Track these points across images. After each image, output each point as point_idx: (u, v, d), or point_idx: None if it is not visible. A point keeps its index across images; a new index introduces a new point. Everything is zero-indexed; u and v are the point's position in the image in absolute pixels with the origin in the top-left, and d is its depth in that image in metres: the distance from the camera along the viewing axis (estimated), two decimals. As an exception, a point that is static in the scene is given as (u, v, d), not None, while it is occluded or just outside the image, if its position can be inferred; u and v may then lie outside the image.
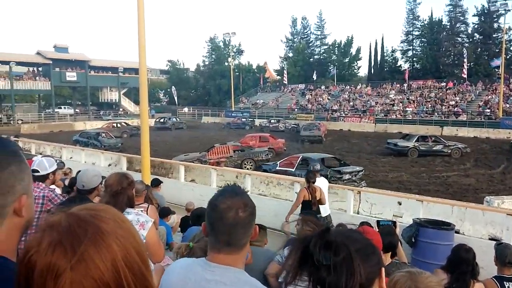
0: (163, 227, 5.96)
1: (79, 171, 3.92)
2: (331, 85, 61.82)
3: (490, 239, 7.64)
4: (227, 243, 1.49)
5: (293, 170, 16.45)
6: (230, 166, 18.63)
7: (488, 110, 41.00)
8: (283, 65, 69.91)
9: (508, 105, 40.95)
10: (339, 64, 66.53)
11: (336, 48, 69.72)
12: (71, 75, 54.71)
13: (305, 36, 74.85)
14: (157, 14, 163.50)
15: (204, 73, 77.77)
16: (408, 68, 60.40)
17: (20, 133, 35.12)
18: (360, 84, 60.69)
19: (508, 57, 52.45)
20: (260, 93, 67.46)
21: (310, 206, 7.35)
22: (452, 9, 60.27)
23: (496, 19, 55.23)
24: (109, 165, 16.85)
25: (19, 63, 51.01)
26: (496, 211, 8.48)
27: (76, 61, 55.18)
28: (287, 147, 26.14)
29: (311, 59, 72.10)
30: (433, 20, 62.43)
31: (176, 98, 65.42)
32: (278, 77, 73.27)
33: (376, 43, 68.28)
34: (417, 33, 64.29)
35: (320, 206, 7.57)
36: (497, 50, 52.56)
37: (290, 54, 73.54)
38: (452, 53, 59.26)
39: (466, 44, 58.15)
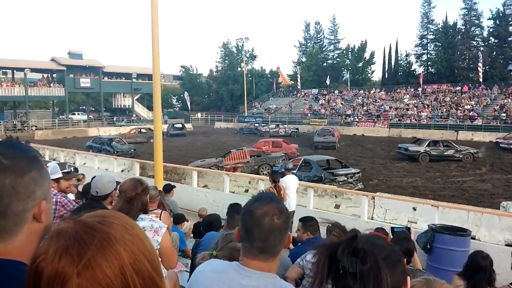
0: (176, 233, 5.96)
1: (94, 177, 3.94)
2: (344, 90, 61.56)
3: (506, 245, 7.52)
4: (261, 249, 1.50)
5: (295, 171, 16.62)
6: (247, 172, 18.77)
7: (504, 114, 40.39)
8: (296, 70, 69.89)
9: (524, 109, 40.32)
10: (352, 69, 66.30)
11: (350, 53, 69.49)
12: (85, 81, 55.33)
13: (319, 40, 74.83)
14: (171, 20, 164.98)
15: (217, 79, 78.14)
16: (422, 72, 60.02)
17: (33, 139, 35.47)
18: (374, 88, 60.36)
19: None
20: (273, 98, 67.47)
21: None
22: (466, 13, 59.75)
23: (511, 23, 54.58)
24: (122, 171, 16.97)
25: (33, 70, 51.79)
26: (513, 217, 8.35)
27: (90, 67, 55.79)
28: (301, 153, 26.03)
29: (325, 64, 71.98)
30: (448, 24, 61.87)
31: (189, 103, 65.86)
32: (291, 82, 73.25)
33: (390, 47, 67.98)
34: (431, 37, 63.80)
35: (291, 201, 8.66)
36: (512, 54, 51.98)
37: (304, 59, 73.51)
38: (467, 57, 58.66)
39: (481, 48, 57.56)
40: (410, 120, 45.18)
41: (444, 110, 45.87)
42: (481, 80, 49.04)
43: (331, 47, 73.83)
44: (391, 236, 4.39)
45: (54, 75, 55.97)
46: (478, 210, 8.84)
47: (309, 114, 54.64)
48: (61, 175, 4.14)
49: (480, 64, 49.69)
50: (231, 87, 71.82)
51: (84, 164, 18.49)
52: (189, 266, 4.83)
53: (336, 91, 61.63)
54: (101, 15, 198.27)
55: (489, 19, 57.89)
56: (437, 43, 62.76)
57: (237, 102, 69.08)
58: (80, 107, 70.66)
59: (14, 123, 48.61)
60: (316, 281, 1.04)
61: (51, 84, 54.07)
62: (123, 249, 0.75)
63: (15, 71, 52.00)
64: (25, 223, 0.98)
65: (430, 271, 5.55)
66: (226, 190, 12.15)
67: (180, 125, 44.67)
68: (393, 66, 67.25)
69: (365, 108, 52.50)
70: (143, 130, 38.71)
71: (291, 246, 4.29)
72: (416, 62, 66.36)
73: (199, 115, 65.39)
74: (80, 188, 6.83)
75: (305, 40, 75.78)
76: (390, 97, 54.24)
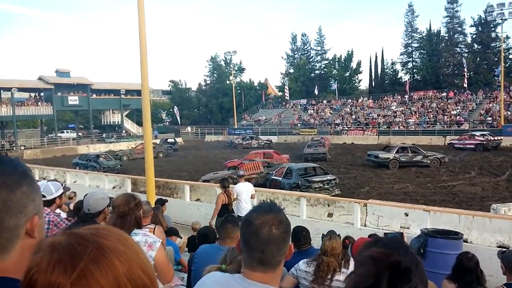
0: (171, 247, 5.94)
1: (87, 194, 3.93)
2: (333, 99, 62.11)
3: (498, 247, 7.58)
4: (260, 260, 1.46)
5: (280, 178, 18.56)
6: (260, 181, 19.35)
7: (490, 118, 40.98)
8: (285, 81, 70.34)
9: (509, 113, 40.90)
10: (340, 78, 66.88)
11: (337, 63, 70.21)
12: (73, 99, 55.06)
13: (306, 52, 75.59)
14: (158, 35, 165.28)
15: (206, 92, 78.31)
16: (408, 79, 60.79)
17: (22, 158, 35.14)
18: (361, 97, 60.95)
19: (507, 65, 52.69)
20: (262, 109, 67.75)
21: (227, 208, 8.85)
22: (449, 21, 60.94)
23: (493, 29, 55.68)
24: (114, 187, 16.87)
25: (21, 89, 51.43)
26: (503, 218, 8.44)
27: (78, 85, 55.49)
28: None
29: (312, 74, 72.65)
30: (432, 31, 62.93)
31: (178, 117, 65.73)
32: (280, 93, 73.71)
33: (376, 56, 69.03)
34: (416, 45, 64.82)
35: (243, 207, 9.12)
36: (496, 59, 52.84)
37: (291, 70, 74.12)
38: (452, 64, 59.63)
39: (465, 54, 58.52)
40: (399, 127, 45.62)
41: (431, 116, 46.40)
42: (466, 85, 49.75)
43: (318, 58, 74.69)
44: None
45: (42, 94, 55.59)
46: (469, 213, 8.93)
47: (298, 124, 54.94)
48: (62, 191, 4.12)
49: (465, 70, 50.49)
50: (221, 100, 72.01)
51: (74, 182, 18.35)
52: (185, 280, 4.81)
53: (325, 101, 62.16)
54: (88, 32, 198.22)
55: (471, 26, 59.12)
56: (422, 50, 63.75)
57: (226, 115, 69.23)
58: (69, 125, 70.21)
59: (2, 143, 48.10)
60: None
61: (39, 103, 53.67)
62: (117, 260, 0.74)
63: (2, 90, 51.53)
64: (18, 239, 0.96)
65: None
66: (219, 203, 12.11)
67: (172, 140, 44.53)
68: (379, 74, 68.09)
69: (353, 116, 52.95)
70: (154, 146, 38.20)
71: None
72: (402, 70, 67.38)
73: (189, 129, 65.33)
74: (71, 206, 6.78)
75: (292, 52, 76.54)
76: (377, 105, 54.80)
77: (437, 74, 59.79)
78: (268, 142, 42.65)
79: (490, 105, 44.20)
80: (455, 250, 6.39)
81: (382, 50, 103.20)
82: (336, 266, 3.62)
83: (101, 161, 28.32)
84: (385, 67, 68.06)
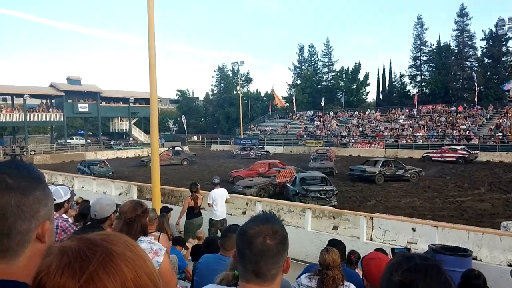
0: (175, 256, 5.91)
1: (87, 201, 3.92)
2: (339, 111, 62.00)
3: (509, 265, 7.44)
4: (254, 273, 1.40)
5: (290, 185, 19.47)
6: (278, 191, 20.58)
7: (500, 134, 40.64)
8: (291, 92, 70.44)
9: (520, 128, 40.61)
10: (347, 90, 66.85)
11: (344, 75, 70.17)
12: (83, 106, 55.68)
13: (313, 63, 75.68)
14: (167, 45, 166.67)
15: (213, 102, 78.67)
16: (417, 93, 60.53)
17: (32, 163, 35.31)
18: (369, 109, 60.78)
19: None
20: (269, 120, 67.82)
21: (193, 210, 9.70)
22: (459, 34, 60.68)
23: (504, 43, 55.45)
24: (120, 194, 16.89)
25: (33, 96, 52.22)
26: (514, 236, 8.30)
27: (88, 92, 56.22)
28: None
29: (319, 86, 72.67)
30: (441, 45, 62.77)
31: (185, 126, 66.01)
32: (286, 104, 73.82)
33: (384, 68, 68.90)
34: (425, 58, 64.68)
35: (216, 210, 9.98)
36: (506, 74, 52.56)
37: (298, 81, 74.20)
38: (461, 78, 59.32)
39: (475, 68, 58.22)
40: (406, 140, 45.36)
41: (440, 130, 46.12)
42: (476, 100, 49.51)
43: (325, 70, 74.74)
44: (391, 257, 4.35)
45: (53, 101, 56.28)
46: (478, 230, 8.77)
47: (304, 136, 54.85)
48: (70, 195, 4.13)
49: (475, 84, 50.27)
50: (227, 110, 72.25)
51: (82, 187, 18.44)
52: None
53: (331, 113, 62.08)
54: (99, 41, 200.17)
55: (482, 39, 58.82)
56: (430, 64, 63.58)
57: (233, 125, 69.36)
58: (79, 132, 70.75)
59: (13, 148, 48.59)
60: None
61: (50, 110, 54.32)
62: (125, 265, 0.75)
63: (14, 97, 52.38)
64: (29, 243, 0.97)
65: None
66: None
67: (179, 149, 44.61)
68: (387, 87, 67.92)
69: (360, 129, 52.77)
70: (179, 154, 38.86)
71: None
72: (410, 83, 67.24)
73: (195, 138, 65.54)
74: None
75: (300, 63, 76.71)
76: (385, 118, 54.60)
77: (446, 88, 59.50)
78: (266, 153, 42.68)
79: (501, 120, 43.88)
80: (464, 267, 6.27)
81: (390, 63, 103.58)
82: (341, 278, 3.57)
83: (92, 167, 29.32)
84: (393, 79, 67.96)
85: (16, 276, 0.95)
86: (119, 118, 62.05)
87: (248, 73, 77.18)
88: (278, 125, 63.57)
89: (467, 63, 60.69)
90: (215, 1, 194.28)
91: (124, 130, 63.08)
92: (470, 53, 60.90)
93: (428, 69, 64.17)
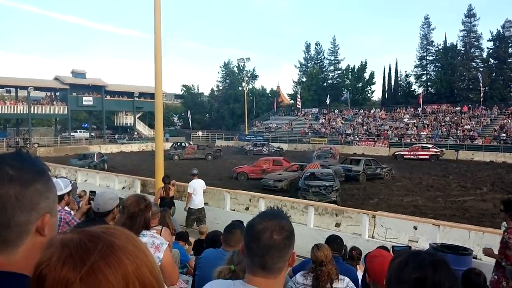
0: (177, 250, 5.95)
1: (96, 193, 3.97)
2: (344, 109, 61.89)
3: (509, 264, 7.45)
4: (261, 266, 1.46)
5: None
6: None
7: (504, 135, 40.49)
8: (297, 90, 70.33)
9: (524, 130, 40.45)
10: (352, 89, 66.71)
11: (350, 73, 70.03)
12: (87, 100, 55.77)
13: (319, 61, 75.50)
14: (173, 39, 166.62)
15: (218, 98, 78.68)
16: (422, 92, 60.33)
17: (38, 157, 35.57)
18: (374, 108, 60.65)
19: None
20: (274, 117, 67.78)
21: (165, 200, 10.16)
22: (466, 34, 60.37)
23: (510, 44, 55.10)
24: (123, 188, 16.97)
25: (37, 88, 52.30)
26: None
27: (92, 86, 56.30)
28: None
29: (325, 84, 72.50)
30: (447, 45, 62.52)
31: (190, 122, 66.11)
32: (292, 101, 73.73)
33: (390, 67, 68.66)
34: (431, 58, 64.44)
35: (195, 199, 10.67)
36: (512, 75, 52.34)
37: (304, 79, 74.08)
38: (467, 78, 59.06)
39: (481, 69, 57.95)
40: (410, 139, 45.25)
41: (444, 129, 45.99)
42: (481, 100, 49.30)
43: (331, 68, 74.50)
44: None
45: (57, 94, 56.36)
46: (479, 230, 8.78)
47: (309, 133, 54.80)
48: (70, 188, 4.17)
49: (481, 85, 50.05)
50: (232, 106, 72.24)
51: (85, 181, 18.52)
52: (189, 283, 4.81)
53: (336, 111, 61.98)
54: (105, 35, 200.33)
55: (488, 40, 58.57)
56: (436, 64, 63.34)
57: (238, 121, 69.38)
58: (83, 125, 70.96)
59: (17, 140, 48.76)
60: None
61: (54, 102, 54.42)
62: (127, 258, 0.76)
63: (18, 89, 52.53)
64: (28, 235, 0.97)
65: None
66: (226, 208, 12.15)
67: (184, 144, 44.70)
68: (392, 86, 67.74)
69: (365, 127, 52.67)
70: (203, 148, 39.57)
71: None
72: (416, 82, 67.03)
73: (200, 133, 65.57)
74: (80, 205, 6.83)
75: (306, 61, 76.57)
76: (390, 117, 54.47)
77: (451, 88, 59.26)
78: (279, 150, 42.54)
79: (505, 121, 43.70)
80: (464, 266, 6.30)
81: (396, 62, 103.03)
82: (335, 273, 3.61)
83: (70, 160, 30.82)
84: (399, 79, 67.77)
85: (15, 267, 0.95)
86: (124, 112, 62.20)
87: (254, 70, 77.20)
88: (283, 122, 63.51)
89: (473, 63, 60.40)
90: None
91: (129, 124, 63.23)
92: (477, 54, 60.60)
93: (434, 69, 63.96)
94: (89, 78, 57.47)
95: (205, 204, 13.95)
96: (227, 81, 78.01)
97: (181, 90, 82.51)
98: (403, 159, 35.52)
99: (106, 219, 3.52)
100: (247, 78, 71.54)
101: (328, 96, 63.35)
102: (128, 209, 3.02)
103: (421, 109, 53.24)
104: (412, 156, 35.72)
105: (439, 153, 36.31)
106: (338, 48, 73.75)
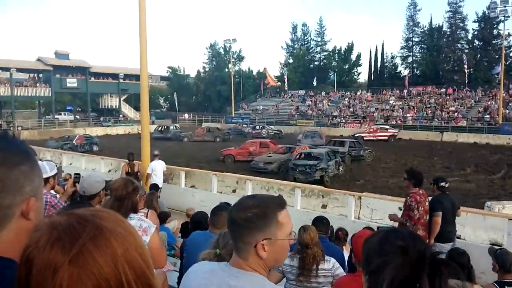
0: (164, 232, 5.96)
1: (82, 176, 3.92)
2: (331, 91, 61.99)
3: (491, 244, 7.62)
4: (234, 246, 1.52)
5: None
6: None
7: (488, 116, 41.06)
8: (283, 71, 70.08)
9: (507, 111, 41.02)
10: (339, 70, 66.69)
11: (336, 55, 69.92)
12: (71, 82, 54.72)
13: (305, 42, 75.14)
14: (158, 20, 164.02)
15: (205, 80, 77.97)
16: (408, 74, 60.62)
17: (23, 141, 35.07)
18: (360, 90, 60.85)
19: (507, 63, 52.62)
20: (260, 99, 67.61)
21: (130, 175, 10.03)
22: (452, 16, 60.52)
23: (496, 26, 55.41)
24: (109, 171, 16.85)
25: (19, 70, 51.02)
26: (497, 216, 8.46)
27: (76, 67, 55.17)
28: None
29: (311, 65, 72.34)
30: (433, 26, 62.67)
31: (177, 104, 65.56)
32: (278, 83, 73.57)
33: (376, 49, 68.62)
34: (417, 39, 64.58)
35: (155, 179, 10.82)
36: (497, 57, 52.73)
37: (291, 61, 73.79)
38: (452, 59, 59.38)
39: (466, 51, 58.29)
40: (396, 121, 45.63)
41: (429, 111, 46.43)
42: (466, 82, 49.77)
43: (318, 49, 74.26)
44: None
45: (41, 75, 55.19)
46: (463, 210, 8.90)
47: (296, 115, 54.87)
48: (56, 171, 4.12)
49: (465, 66, 50.44)
50: (219, 88, 71.73)
51: (70, 164, 18.33)
52: (177, 266, 4.83)
53: (323, 93, 62.03)
54: (88, 14, 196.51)
55: (474, 22, 58.77)
56: (422, 45, 63.59)
57: (224, 103, 69.01)
58: (67, 107, 69.92)
59: (0, 123, 47.89)
60: None
61: (38, 84, 53.36)
62: (115, 240, 0.75)
63: (0, 70, 51.18)
64: (12, 218, 0.96)
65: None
66: (213, 190, 12.15)
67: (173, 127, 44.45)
68: (379, 68, 67.87)
69: (351, 109, 52.93)
70: (211, 130, 40.27)
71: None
72: (402, 64, 67.23)
73: (186, 115, 65.19)
74: (66, 188, 6.76)
75: (292, 42, 76.12)
76: (376, 99, 54.77)
77: (437, 70, 59.64)
78: (278, 132, 42.41)
79: (489, 102, 44.25)
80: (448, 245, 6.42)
81: (383, 44, 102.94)
82: (321, 254, 3.65)
83: (47, 141, 31.99)
84: (385, 60, 67.84)
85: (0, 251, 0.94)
86: (109, 94, 61.23)
87: (240, 51, 76.45)
88: (269, 104, 63.43)
89: (458, 45, 60.70)
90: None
91: (114, 107, 62.34)
92: (462, 35, 60.87)
93: (420, 51, 64.22)
94: (73, 59, 56.26)
95: (192, 186, 14.03)
96: (213, 62, 77.20)
97: (167, 72, 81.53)
98: (363, 140, 33.96)
99: (92, 202, 3.49)
100: (233, 60, 70.97)
101: (315, 78, 63.25)
102: (115, 192, 3.00)
103: (406, 91, 53.59)
104: (372, 138, 35.74)
105: (396, 134, 37.68)
106: (325, 29, 73.55)
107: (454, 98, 48.20)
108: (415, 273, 1.00)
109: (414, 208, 6.14)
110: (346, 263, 4.20)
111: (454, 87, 51.22)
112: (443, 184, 6.61)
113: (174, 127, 42.99)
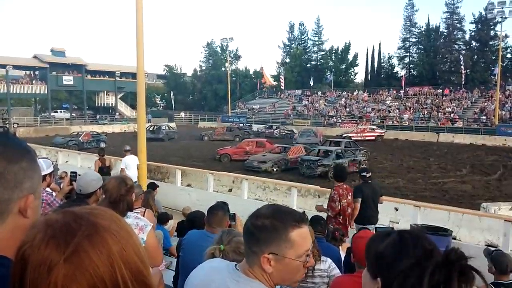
0: (160, 232, 5.94)
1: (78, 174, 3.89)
2: (328, 91, 62.02)
3: (487, 245, 7.64)
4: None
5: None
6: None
7: (484, 117, 41.19)
8: (280, 71, 70.03)
9: (504, 112, 41.16)
10: (336, 70, 66.71)
11: (333, 54, 69.93)
12: (67, 79, 54.56)
13: (303, 42, 75.05)
14: (155, 19, 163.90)
15: (201, 78, 77.89)
16: (404, 74, 60.74)
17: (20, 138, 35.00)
18: (357, 90, 60.90)
19: (504, 64, 52.78)
20: (257, 98, 67.57)
21: (103, 170, 11.26)
22: (449, 16, 60.64)
23: (493, 27, 55.60)
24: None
25: (16, 67, 50.82)
26: (493, 217, 8.49)
27: (73, 65, 54.99)
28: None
29: (308, 65, 72.30)
30: (430, 27, 62.77)
31: (173, 103, 65.41)
32: (275, 82, 73.51)
33: (373, 49, 68.70)
34: (414, 40, 64.65)
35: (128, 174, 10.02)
36: (493, 58, 52.89)
37: (287, 60, 73.75)
38: (449, 60, 59.53)
39: (463, 52, 58.45)
40: (392, 122, 45.71)
41: (426, 112, 46.54)
42: (463, 83, 49.90)
43: (315, 49, 74.13)
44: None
45: (37, 73, 54.97)
46: (458, 211, 8.95)
47: (292, 115, 54.86)
48: (52, 169, 4.09)
49: (462, 67, 50.59)
50: (215, 87, 71.64)
51: (66, 162, 18.28)
52: (173, 265, 4.81)
53: (320, 92, 62.07)
54: (85, 12, 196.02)
55: (471, 23, 58.86)
56: (419, 46, 63.64)
57: (221, 102, 68.93)
58: (63, 105, 69.65)
59: (-5, 120, 47.65)
60: None
61: (34, 82, 53.15)
62: (111, 238, 0.75)
63: (-4, 67, 51.01)
64: (9, 214, 0.95)
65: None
66: (210, 189, 12.13)
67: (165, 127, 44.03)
68: (376, 68, 67.95)
69: (348, 109, 52.97)
70: (232, 129, 40.45)
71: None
72: (399, 64, 67.34)
73: (182, 114, 65.07)
74: (62, 186, 6.73)
75: (289, 41, 76.06)
76: (372, 99, 54.86)
77: (433, 71, 59.78)
78: (290, 132, 41.62)
79: (485, 103, 44.40)
80: (443, 246, 6.41)
81: (380, 44, 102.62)
82: (317, 255, 3.63)
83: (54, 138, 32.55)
84: (382, 61, 67.94)
85: None
86: (105, 92, 61.06)
87: (237, 50, 76.39)
88: (266, 103, 63.41)
89: (455, 46, 60.85)
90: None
91: (110, 105, 62.18)
92: (459, 36, 61.02)
93: (417, 51, 64.28)
94: (69, 56, 56.04)
95: (188, 185, 14.01)
96: (210, 61, 77.09)
97: (164, 70, 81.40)
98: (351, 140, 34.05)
99: (89, 201, 3.45)
100: (230, 59, 70.86)
101: (312, 78, 63.29)
102: (110, 194, 2.97)
103: (403, 91, 53.71)
104: (359, 138, 35.27)
105: (383, 134, 38.25)
106: (322, 29, 73.42)
107: (450, 99, 48.34)
108: (447, 277, 1.01)
109: (336, 200, 7.00)
110: (342, 263, 4.20)
111: (451, 88, 51.37)
112: (364, 173, 8.07)
113: (167, 127, 41.72)
